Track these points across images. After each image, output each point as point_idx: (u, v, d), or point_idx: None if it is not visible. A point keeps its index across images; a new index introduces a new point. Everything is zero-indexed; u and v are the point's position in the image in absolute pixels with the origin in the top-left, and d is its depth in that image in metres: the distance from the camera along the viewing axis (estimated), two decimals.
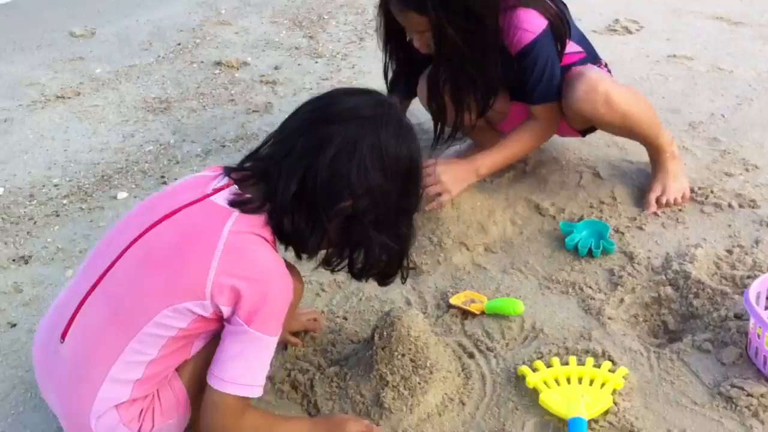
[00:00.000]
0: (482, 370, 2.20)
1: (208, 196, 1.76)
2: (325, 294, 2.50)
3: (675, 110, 3.34)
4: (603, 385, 2.09)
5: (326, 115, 1.76)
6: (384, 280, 1.97)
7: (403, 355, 2.07)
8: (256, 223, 1.73)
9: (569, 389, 2.07)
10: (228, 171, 1.83)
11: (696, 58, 3.83)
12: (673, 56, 3.87)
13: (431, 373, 2.09)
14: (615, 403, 2.05)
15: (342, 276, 2.43)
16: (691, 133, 3.21)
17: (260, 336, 1.71)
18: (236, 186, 1.78)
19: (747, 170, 2.95)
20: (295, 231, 1.75)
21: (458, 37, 2.46)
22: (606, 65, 2.89)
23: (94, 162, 3.11)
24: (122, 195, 2.92)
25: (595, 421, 2.00)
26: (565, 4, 2.73)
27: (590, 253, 2.56)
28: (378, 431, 1.97)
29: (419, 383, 2.07)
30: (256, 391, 1.75)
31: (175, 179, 2.94)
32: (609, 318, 2.33)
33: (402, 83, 2.85)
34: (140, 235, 1.75)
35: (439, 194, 2.60)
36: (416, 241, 2.19)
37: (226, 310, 1.69)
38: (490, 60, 2.57)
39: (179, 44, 3.98)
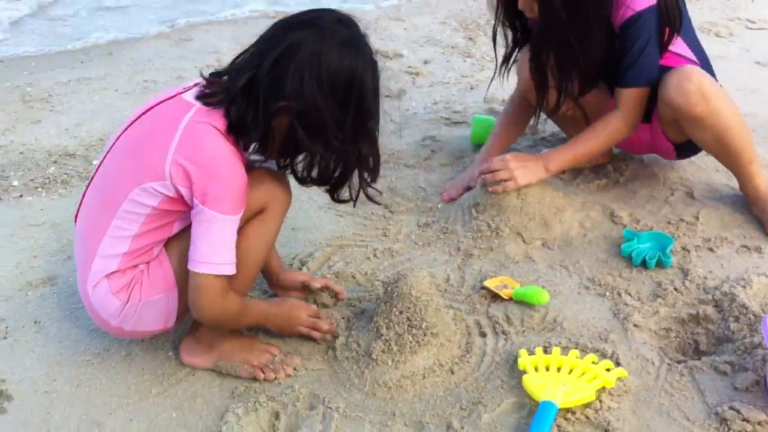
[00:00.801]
0: (486, 348, 2.23)
1: (180, 93, 2.02)
2: (376, 259, 2.61)
3: None
4: (593, 380, 2.04)
5: (288, 24, 2.00)
6: (331, 193, 2.15)
7: (401, 312, 2.15)
8: (214, 115, 1.97)
9: (554, 376, 2.07)
10: (203, 75, 2.07)
11: None
12: None
13: (426, 335, 2.16)
14: (599, 400, 2.01)
15: (399, 245, 2.56)
16: None
17: (216, 215, 1.94)
18: (204, 84, 2.01)
19: None
20: (242, 122, 1.96)
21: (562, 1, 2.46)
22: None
23: None
24: None
25: (571, 411, 1.99)
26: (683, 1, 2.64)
27: (645, 264, 2.47)
28: (323, 319, 2.25)
29: (411, 342, 2.15)
30: (225, 269, 1.98)
31: None
32: (635, 325, 2.28)
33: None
34: (125, 130, 2.07)
35: (506, 180, 2.61)
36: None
37: (184, 192, 1.95)
38: (594, 35, 2.55)
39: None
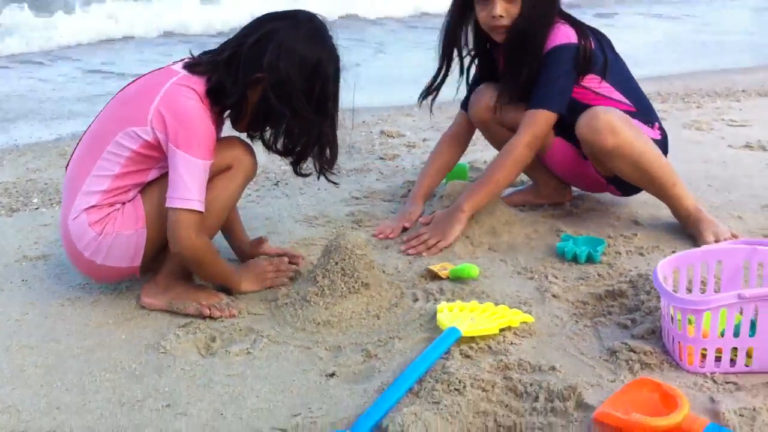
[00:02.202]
0: (414, 305, 2.47)
1: (170, 65, 2.42)
2: None
3: None
4: (499, 318, 2.26)
5: (268, 16, 2.48)
6: (293, 165, 2.54)
7: (336, 263, 2.44)
8: (195, 81, 2.39)
9: (463, 314, 2.27)
10: (191, 53, 2.50)
11: None
12: None
13: (356, 284, 2.43)
14: (503, 336, 2.22)
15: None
16: None
17: (188, 156, 2.32)
18: (192, 58, 2.39)
19: None
20: (220, 88, 2.37)
21: (536, 8, 2.84)
22: (661, 128, 3.04)
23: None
24: None
25: (475, 342, 2.20)
26: (611, 45, 3.01)
27: (576, 260, 2.70)
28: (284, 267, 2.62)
29: (342, 288, 2.42)
30: (194, 205, 2.33)
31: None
32: (554, 296, 2.52)
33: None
34: (119, 92, 2.48)
35: (436, 244, 2.88)
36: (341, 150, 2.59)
37: (161, 137, 2.34)
38: (539, 48, 2.89)
39: (364, 121, 4.71)
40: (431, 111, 3.26)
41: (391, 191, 3.54)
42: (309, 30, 2.43)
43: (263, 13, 2.52)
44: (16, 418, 1.98)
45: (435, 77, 3.15)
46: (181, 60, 2.51)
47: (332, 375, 2.12)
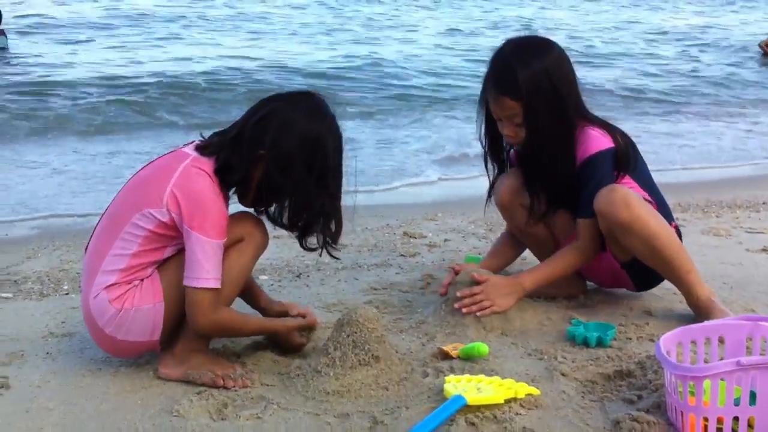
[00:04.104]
0: (424, 381, 2.53)
1: (181, 148, 2.63)
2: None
3: None
4: (505, 390, 2.31)
5: (269, 98, 2.66)
6: (299, 240, 2.68)
7: (348, 336, 2.52)
8: (205, 162, 2.55)
9: (470, 385, 2.33)
10: (202, 135, 2.69)
11: None
12: None
13: (367, 356, 2.50)
14: (509, 407, 2.27)
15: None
16: None
17: (202, 238, 2.45)
18: (201, 140, 2.60)
19: None
20: (227, 166, 2.53)
21: (544, 125, 2.97)
22: (677, 227, 3.13)
23: None
24: None
25: (480, 411, 2.25)
26: (634, 145, 3.13)
27: (586, 344, 2.76)
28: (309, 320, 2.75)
29: (353, 360, 2.50)
30: (212, 283, 2.47)
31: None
32: (562, 374, 2.56)
33: None
34: (133, 175, 2.66)
35: (491, 307, 2.99)
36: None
37: (176, 217, 2.48)
38: (564, 166, 3.03)
39: (388, 224, 4.87)
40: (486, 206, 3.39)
41: (410, 284, 3.62)
42: (308, 107, 2.60)
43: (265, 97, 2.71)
44: None
45: (491, 176, 3.32)
46: (192, 142, 2.67)
47: None
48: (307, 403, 2.39)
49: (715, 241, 4.37)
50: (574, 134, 3.04)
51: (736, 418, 2.07)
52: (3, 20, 12.80)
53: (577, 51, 13.72)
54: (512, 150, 3.29)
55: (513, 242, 3.46)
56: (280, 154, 2.52)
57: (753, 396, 2.07)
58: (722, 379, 2.05)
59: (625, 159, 3.06)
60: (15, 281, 3.80)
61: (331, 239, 2.68)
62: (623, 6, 23.63)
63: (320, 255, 2.70)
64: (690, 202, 5.48)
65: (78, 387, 2.56)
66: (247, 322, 2.67)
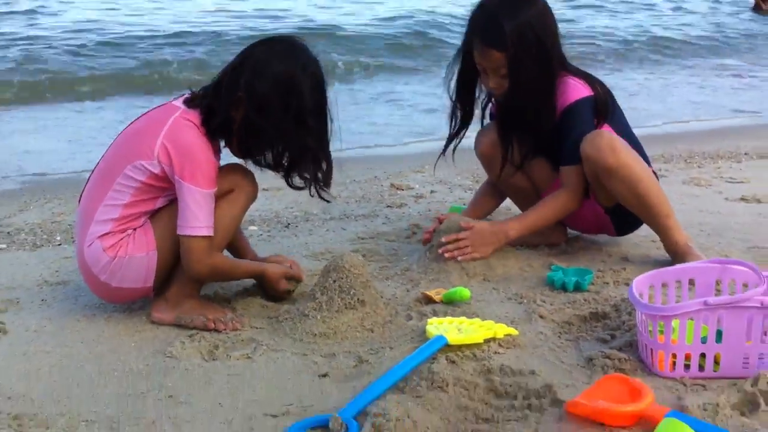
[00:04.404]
0: (408, 323, 2.62)
1: (171, 101, 2.70)
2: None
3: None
4: (485, 330, 2.41)
5: (251, 44, 2.72)
6: (285, 179, 2.75)
7: (334, 281, 2.62)
8: (193, 114, 2.63)
9: (452, 326, 2.43)
10: (190, 89, 2.75)
11: None
12: None
13: (353, 300, 2.60)
14: (488, 346, 2.37)
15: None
16: None
17: (192, 187, 2.53)
18: (191, 92, 2.68)
19: None
20: (210, 111, 2.60)
21: (528, 77, 3.04)
22: (654, 172, 3.21)
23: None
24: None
25: (461, 350, 2.34)
26: (612, 94, 3.21)
27: (564, 288, 2.85)
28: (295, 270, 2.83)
29: (339, 304, 2.60)
30: (204, 231, 2.57)
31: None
32: (540, 316, 2.66)
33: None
34: (125, 128, 2.73)
35: (472, 254, 3.08)
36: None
37: (167, 169, 2.56)
38: (546, 115, 3.11)
39: (376, 176, 4.94)
40: (453, 160, 3.42)
41: (396, 233, 3.71)
42: (283, 49, 2.66)
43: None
44: (30, 404, 2.16)
45: (454, 126, 3.35)
46: (182, 95, 2.73)
47: (325, 375, 2.28)
48: (295, 345, 2.49)
49: (696, 191, 4.47)
50: (555, 85, 3.11)
51: (703, 355, 2.18)
52: None
53: None
54: (491, 103, 3.36)
55: (494, 192, 3.55)
56: (256, 95, 2.58)
57: (719, 334, 2.17)
58: (690, 319, 2.15)
59: (604, 107, 3.14)
60: (8, 233, 3.87)
61: (322, 181, 2.74)
62: None
63: (311, 195, 2.77)
64: (673, 153, 5.56)
65: (73, 331, 2.65)
66: (239, 265, 2.80)
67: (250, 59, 2.63)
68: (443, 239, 3.11)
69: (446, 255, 3.07)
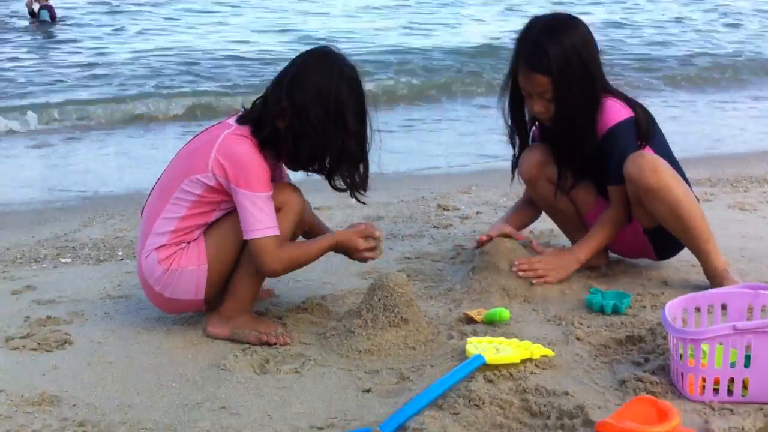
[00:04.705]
0: (449, 342, 2.75)
1: (226, 119, 2.88)
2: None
3: None
4: (522, 350, 2.52)
5: (293, 59, 2.87)
6: (328, 179, 2.89)
7: (379, 299, 2.75)
8: (245, 129, 2.78)
9: (490, 346, 2.54)
10: (243, 106, 2.93)
11: None
12: None
13: (396, 318, 2.72)
14: (524, 366, 2.47)
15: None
16: None
17: (248, 193, 2.69)
18: (244, 109, 2.86)
19: None
20: (258, 121, 2.76)
21: (574, 100, 3.15)
22: (696, 196, 3.28)
23: None
24: None
25: (498, 369, 2.45)
26: (652, 117, 3.31)
27: (603, 311, 2.95)
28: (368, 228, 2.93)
29: (383, 322, 2.72)
30: (269, 231, 2.71)
31: None
32: (577, 338, 2.76)
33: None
34: (183, 146, 2.92)
35: (545, 278, 3.22)
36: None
37: (222, 181, 2.71)
38: (588, 136, 3.22)
39: (423, 197, 5.06)
40: (514, 177, 3.56)
41: (441, 254, 3.83)
42: (319, 58, 2.81)
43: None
44: (93, 412, 2.32)
45: (516, 149, 3.48)
46: (236, 113, 2.90)
47: (368, 391, 2.41)
48: (341, 360, 2.62)
49: (740, 215, 4.50)
50: (597, 108, 3.21)
51: (732, 380, 2.26)
52: None
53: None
54: (534, 126, 3.47)
55: (531, 207, 3.65)
56: (298, 104, 2.72)
57: (748, 359, 2.25)
58: (720, 343, 2.23)
59: (646, 128, 3.23)
60: (73, 248, 4.09)
61: (359, 184, 2.87)
62: None
63: (351, 196, 2.91)
64: (720, 176, 5.59)
65: (135, 343, 2.82)
66: (309, 248, 2.89)
67: (291, 70, 2.78)
68: (516, 261, 3.24)
69: (521, 274, 3.20)
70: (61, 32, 13.55)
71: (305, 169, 2.91)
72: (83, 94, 8.92)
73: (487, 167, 6.11)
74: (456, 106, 9.12)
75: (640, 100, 3.41)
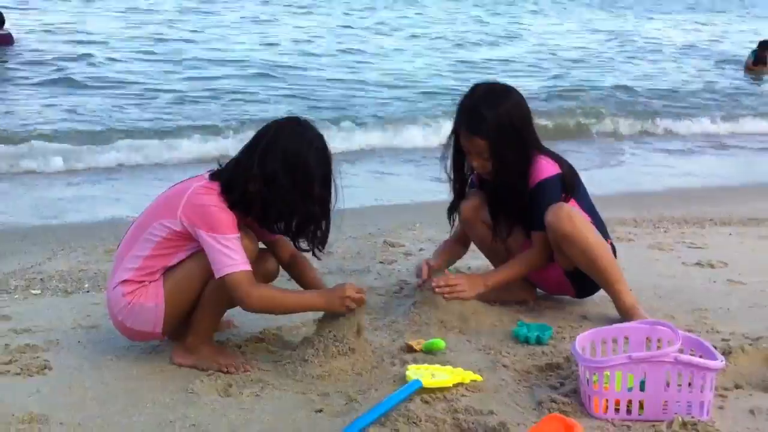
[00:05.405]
0: (392, 369, 3.12)
1: (202, 174, 3.19)
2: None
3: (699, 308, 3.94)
4: (455, 376, 2.90)
5: (263, 126, 3.18)
6: (293, 240, 3.21)
7: (330, 331, 3.09)
8: (215, 184, 3.08)
9: (426, 372, 2.92)
10: (219, 162, 3.24)
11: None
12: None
13: (345, 347, 3.07)
14: (456, 389, 2.85)
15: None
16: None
17: (216, 235, 2.99)
18: (220, 166, 3.17)
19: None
20: (229, 183, 3.06)
21: (507, 159, 3.58)
22: (612, 244, 3.73)
23: None
24: None
25: (433, 393, 2.83)
26: (577, 173, 3.74)
27: (527, 341, 3.35)
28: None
29: (333, 351, 3.06)
30: (240, 266, 2.97)
31: None
32: (503, 366, 3.16)
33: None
34: (162, 193, 3.24)
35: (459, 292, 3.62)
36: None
37: (190, 228, 3.02)
38: (522, 191, 3.64)
39: (370, 233, 5.44)
40: (451, 224, 3.99)
41: (385, 288, 4.20)
42: (290, 128, 3.11)
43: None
44: (79, 429, 2.64)
45: (455, 197, 3.90)
46: (210, 171, 3.21)
47: (320, 411, 2.76)
48: (296, 385, 2.97)
49: (657, 255, 4.97)
50: (531, 164, 3.64)
51: (630, 401, 2.67)
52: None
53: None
54: (473, 173, 3.89)
55: (459, 244, 4.07)
56: (268, 172, 3.02)
57: (642, 383, 2.66)
58: (619, 370, 2.64)
59: (571, 183, 3.67)
60: (41, 279, 4.37)
61: (319, 242, 3.19)
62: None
63: (312, 255, 3.25)
64: (645, 216, 6.09)
65: (108, 369, 3.13)
66: (288, 295, 3.14)
67: (263, 139, 3.08)
68: (433, 280, 3.63)
69: (436, 291, 3.59)
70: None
71: (270, 229, 3.21)
72: None
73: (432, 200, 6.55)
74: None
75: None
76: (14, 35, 14.66)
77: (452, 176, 3.86)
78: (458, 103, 3.72)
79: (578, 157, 8.18)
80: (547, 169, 3.64)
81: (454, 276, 3.73)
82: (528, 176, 3.64)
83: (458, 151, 3.76)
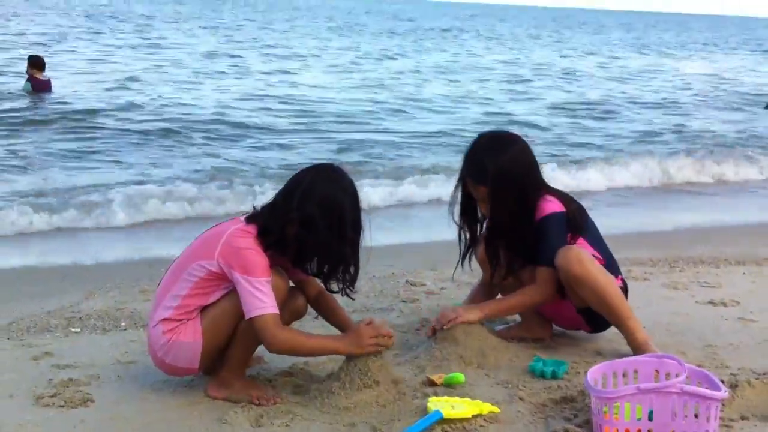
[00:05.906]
0: (414, 401, 3.29)
1: (239, 217, 3.39)
2: None
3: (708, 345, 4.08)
4: (473, 407, 3.07)
5: (299, 171, 3.40)
6: (324, 282, 3.39)
7: (355, 365, 3.28)
8: (251, 227, 3.28)
9: (446, 404, 3.09)
10: (254, 206, 3.44)
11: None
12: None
13: (370, 381, 3.25)
14: (475, 420, 3.03)
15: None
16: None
17: (249, 278, 3.17)
18: (255, 209, 3.36)
19: None
20: (266, 228, 3.25)
21: (508, 207, 3.78)
22: (623, 279, 3.90)
23: None
24: None
25: (453, 422, 3.00)
26: (584, 211, 3.92)
27: (543, 376, 3.52)
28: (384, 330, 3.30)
29: (359, 384, 3.25)
30: (269, 309, 3.16)
31: None
32: (520, 398, 3.32)
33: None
34: (200, 234, 3.44)
35: (456, 318, 3.80)
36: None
37: (226, 269, 3.21)
38: (528, 230, 3.82)
39: (393, 273, 5.63)
40: (463, 267, 4.15)
41: (408, 326, 4.38)
42: (327, 174, 3.32)
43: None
44: None
45: (465, 246, 4.08)
46: (245, 214, 3.41)
47: None
48: (323, 416, 3.15)
49: (672, 294, 5.12)
50: (533, 208, 3.83)
51: (639, 430, 2.82)
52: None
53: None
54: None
55: (486, 290, 4.23)
56: (305, 217, 3.22)
57: (651, 414, 2.82)
58: (628, 401, 2.80)
59: (575, 222, 3.84)
60: (80, 318, 4.59)
61: (349, 283, 3.39)
62: None
63: (342, 295, 3.45)
64: (660, 256, 6.24)
65: (147, 401, 3.33)
66: (309, 339, 3.31)
67: (300, 185, 3.27)
68: (434, 320, 3.87)
69: (445, 328, 3.79)
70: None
71: (303, 269, 3.41)
72: None
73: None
74: None
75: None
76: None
77: (459, 224, 4.06)
78: (464, 153, 3.94)
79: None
80: (550, 206, 3.82)
81: (451, 309, 3.91)
82: (530, 218, 3.82)
83: (468, 196, 3.97)
